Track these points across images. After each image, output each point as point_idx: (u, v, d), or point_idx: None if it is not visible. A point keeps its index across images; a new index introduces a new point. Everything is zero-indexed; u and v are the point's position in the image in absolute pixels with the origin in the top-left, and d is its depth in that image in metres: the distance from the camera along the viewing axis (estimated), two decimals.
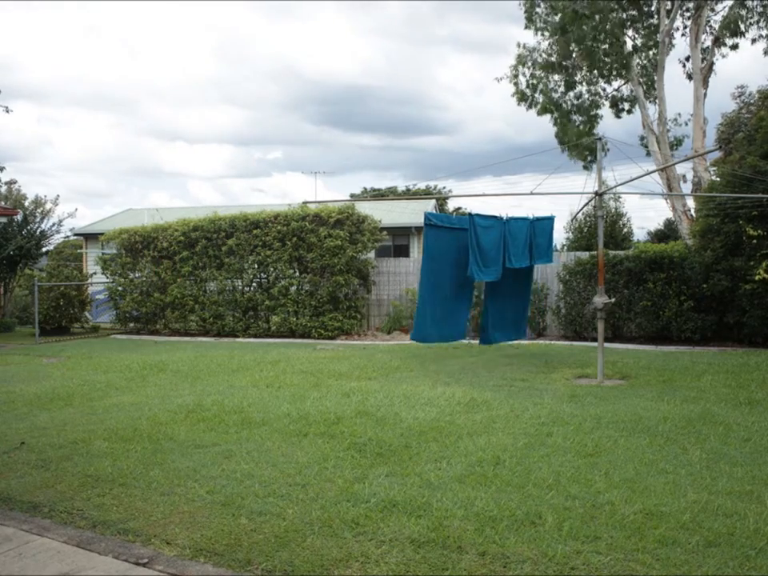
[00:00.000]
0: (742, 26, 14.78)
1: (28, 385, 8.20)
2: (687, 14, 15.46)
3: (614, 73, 16.28)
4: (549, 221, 10.37)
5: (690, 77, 16.40)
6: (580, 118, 17.04)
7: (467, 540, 3.26)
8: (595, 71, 16.26)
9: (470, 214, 8.99)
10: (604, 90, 17.00)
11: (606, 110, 17.13)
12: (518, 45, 16.83)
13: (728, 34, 14.92)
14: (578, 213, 11.89)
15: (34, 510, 3.84)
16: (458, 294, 9.13)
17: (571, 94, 16.77)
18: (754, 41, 15.11)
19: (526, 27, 16.26)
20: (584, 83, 16.79)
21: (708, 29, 15.49)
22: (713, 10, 15.32)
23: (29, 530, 3.58)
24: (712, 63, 15.30)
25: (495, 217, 9.27)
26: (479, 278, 8.92)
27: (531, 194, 8.58)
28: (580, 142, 15.59)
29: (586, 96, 16.86)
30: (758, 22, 14.89)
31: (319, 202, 15.28)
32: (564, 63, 16.18)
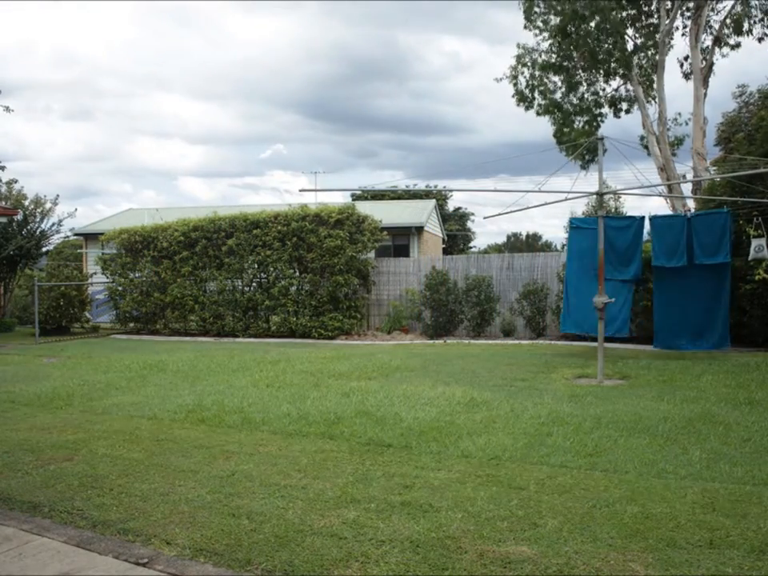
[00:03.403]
0: (746, 25, 14.77)
1: (28, 385, 8.20)
2: (687, 14, 15.45)
3: (613, 72, 16.25)
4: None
5: (686, 76, 16.39)
6: (581, 119, 17.02)
7: (467, 540, 3.26)
8: (596, 71, 16.24)
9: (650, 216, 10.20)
10: (603, 89, 16.98)
11: (605, 110, 17.12)
12: (518, 45, 16.81)
13: (732, 32, 14.91)
14: (569, 197, 11.66)
15: (34, 510, 3.84)
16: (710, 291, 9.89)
17: (572, 95, 16.74)
18: (760, 39, 15.04)
19: (525, 27, 16.25)
20: (584, 83, 16.76)
21: (708, 28, 15.47)
22: (713, 9, 15.30)
23: (29, 529, 3.58)
24: (712, 63, 15.28)
25: (678, 215, 10.67)
26: (660, 263, 10.00)
27: (531, 192, 8.58)
28: (578, 143, 15.58)
29: (587, 95, 16.83)
30: (762, 20, 14.88)
31: (316, 191, 15.25)
32: (564, 64, 16.16)
